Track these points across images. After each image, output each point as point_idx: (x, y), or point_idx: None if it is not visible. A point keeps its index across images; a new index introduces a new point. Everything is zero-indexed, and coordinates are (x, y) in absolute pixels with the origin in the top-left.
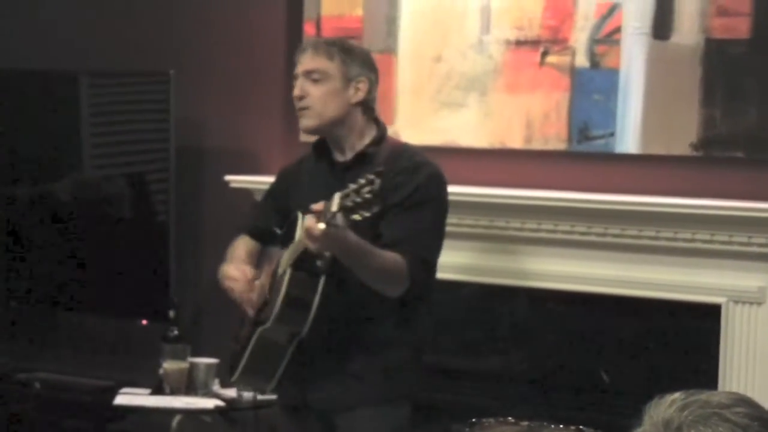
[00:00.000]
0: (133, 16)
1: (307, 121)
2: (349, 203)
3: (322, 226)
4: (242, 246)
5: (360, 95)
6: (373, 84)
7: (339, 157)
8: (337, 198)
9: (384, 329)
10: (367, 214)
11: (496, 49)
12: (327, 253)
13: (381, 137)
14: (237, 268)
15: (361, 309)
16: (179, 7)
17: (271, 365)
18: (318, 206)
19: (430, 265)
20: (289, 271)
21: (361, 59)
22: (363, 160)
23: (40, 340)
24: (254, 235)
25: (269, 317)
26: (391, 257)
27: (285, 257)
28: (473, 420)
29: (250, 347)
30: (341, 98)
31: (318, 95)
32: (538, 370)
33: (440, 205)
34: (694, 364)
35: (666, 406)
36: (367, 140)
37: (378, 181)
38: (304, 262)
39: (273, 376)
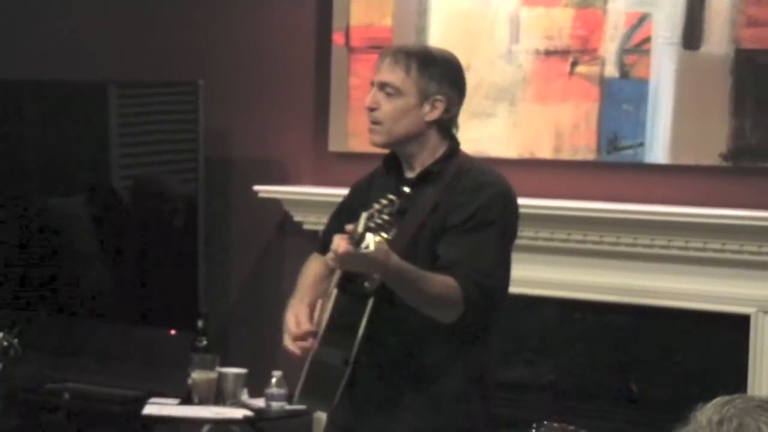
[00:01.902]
0: (161, 27)
1: (375, 137)
2: (372, 224)
3: (349, 247)
4: (312, 269)
5: (435, 114)
6: (453, 102)
7: (408, 173)
8: (362, 218)
9: (436, 357)
10: (386, 236)
11: (526, 58)
12: (376, 275)
13: (450, 154)
14: (293, 315)
15: (413, 335)
16: (207, 18)
17: (329, 387)
18: (350, 226)
19: (489, 291)
20: (335, 293)
21: (442, 74)
22: (427, 177)
23: (69, 350)
24: (324, 252)
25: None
26: (442, 281)
27: (333, 278)
28: (537, 423)
29: (305, 369)
30: (414, 115)
31: (388, 110)
32: (566, 380)
33: (504, 227)
34: (723, 374)
35: (709, 407)
36: (436, 156)
37: (397, 202)
38: (351, 284)
39: (333, 397)
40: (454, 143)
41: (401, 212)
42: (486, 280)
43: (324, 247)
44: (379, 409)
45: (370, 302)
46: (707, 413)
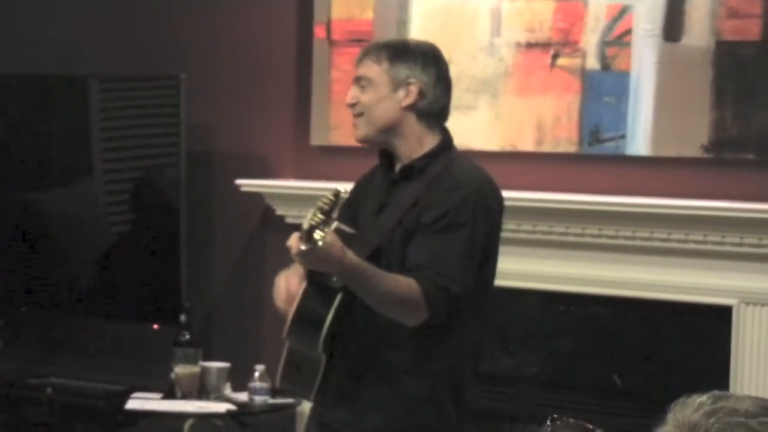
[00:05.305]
0: (143, 21)
1: (358, 131)
2: (313, 222)
3: (299, 245)
4: None
5: (410, 98)
6: (427, 85)
7: (397, 167)
8: (309, 214)
9: (405, 357)
10: (322, 234)
11: (507, 51)
12: (333, 273)
13: (439, 150)
14: (284, 277)
15: (381, 333)
16: (189, 12)
17: (306, 377)
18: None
19: (454, 294)
20: (304, 285)
21: (414, 61)
22: (410, 173)
23: (52, 344)
24: None
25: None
26: (404, 283)
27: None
28: (551, 418)
29: (283, 357)
30: (389, 102)
31: (365, 101)
32: (550, 372)
33: (475, 230)
34: (706, 365)
35: (693, 410)
36: (425, 151)
37: (330, 200)
38: (320, 276)
39: (311, 388)
40: (443, 139)
41: (331, 211)
42: (450, 284)
43: None
44: (348, 405)
45: (338, 297)
46: (690, 416)
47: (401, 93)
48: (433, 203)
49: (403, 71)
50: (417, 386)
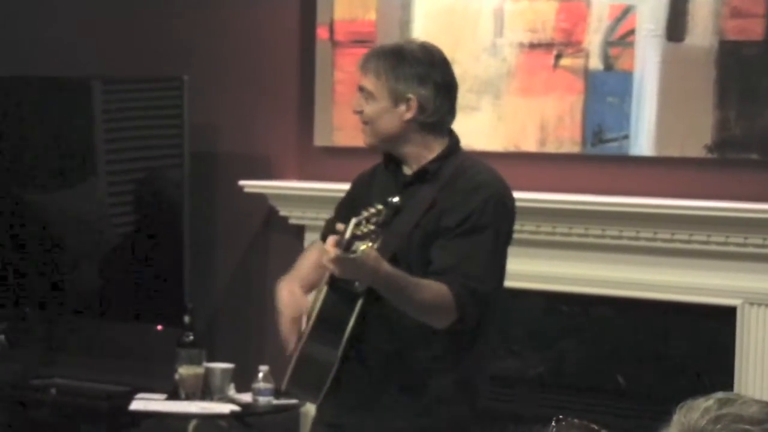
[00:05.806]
0: (145, 22)
1: (365, 138)
2: (359, 232)
3: (338, 252)
4: (311, 255)
5: (411, 113)
6: (427, 99)
7: (406, 170)
8: (351, 225)
9: (426, 360)
10: (371, 244)
11: (510, 52)
12: (365, 282)
13: (448, 152)
14: (288, 292)
15: (403, 337)
16: (192, 13)
17: (316, 381)
18: (340, 225)
19: (482, 296)
20: (325, 289)
21: (411, 74)
22: (423, 176)
23: (56, 346)
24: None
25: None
26: (435, 288)
27: (325, 274)
28: (556, 419)
29: (294, 360)
30: (392, 116)
31: (369, 113)
32: (553, 373)
33: (497, 230)
34: (710, 366)
35: (699, 414)
36: (433, 154)
37: (384, 212)
38: (342, 281)
39: (319, 392)
40: (451, 141)
41: (387, 223)
42: (479, 286)
43: (326, 236)
44: (364, 408)
45: (360, 302)
46: (696, 422)
47: (402, 107)
48: (454, 206)
49: (401, 86)
50: (438, 388)
